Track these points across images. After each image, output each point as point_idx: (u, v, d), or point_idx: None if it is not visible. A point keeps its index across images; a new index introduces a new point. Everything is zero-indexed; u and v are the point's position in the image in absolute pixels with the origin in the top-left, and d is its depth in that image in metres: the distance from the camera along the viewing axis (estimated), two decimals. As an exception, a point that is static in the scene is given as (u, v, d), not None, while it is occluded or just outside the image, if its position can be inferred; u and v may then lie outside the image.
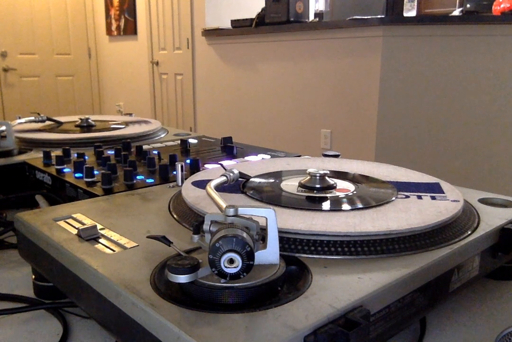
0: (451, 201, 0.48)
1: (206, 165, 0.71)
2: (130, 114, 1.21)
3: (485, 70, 2.37)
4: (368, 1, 2.83)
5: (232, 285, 0.32)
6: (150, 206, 0.51)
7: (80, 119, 1.02)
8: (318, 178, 0.52)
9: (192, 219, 0.46)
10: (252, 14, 3.02)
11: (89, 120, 1.01)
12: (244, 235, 0.31)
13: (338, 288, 0.33)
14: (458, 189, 0.53)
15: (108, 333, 0.41)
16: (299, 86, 2.80)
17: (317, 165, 0.63)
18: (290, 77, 2.84)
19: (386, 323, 0.35)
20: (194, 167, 0.69)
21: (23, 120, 1.00)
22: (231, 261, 0.30)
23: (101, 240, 0.42)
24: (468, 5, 2.45)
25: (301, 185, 0.52)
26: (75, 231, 0.44)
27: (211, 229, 0.34)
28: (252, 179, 0.55)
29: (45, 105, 4.55)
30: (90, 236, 0.42)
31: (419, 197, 0.49)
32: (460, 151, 2.45)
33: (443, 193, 0.51)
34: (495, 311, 0.45)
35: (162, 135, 0.99)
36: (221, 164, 0.62)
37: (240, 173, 0.53)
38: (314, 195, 0.50)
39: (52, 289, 0.47)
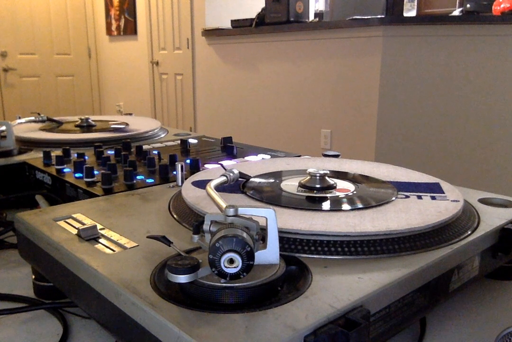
0: (451, 201, 0.48)
1: (206, 165, 0.71)
2: (130, 114, 1.21)
3: (485, 70, 2.37)
4: (368, 1, 2.83)
5: (232, 285, 0.32)
6: (150, 206, 0.51)
7: (80, 119, 1.02)
8: (318, 178, 0.52)
9: (192, 219, 0.46)
10: (252, 14, 3.02)
11: (89, 120, 1.02)
12: (244, 235, 0.31)
13: (338, 288, 0.33)
14: (458, 189, 0.53)
15: (108, 333, 0.41)
16: (299, 86, 2.80)
17: (317, 165, 0.63)
18: (290, 77, 2.84)
19: (386, 323, 0.35)
20: (194, 167, 0.69)
21: (23, 120, 1.00)
22: (231, 261, 0.30)
23: (101, 240, 0.42)
24: (468, 5, 2.44)
25: (301, 185, 0.52)
26: (75, 231, 0.44)
27: (211, 229, 0.34)
28: (252, 179, 0.55)
29: (45, 105, 4.55)
30: (90, 236, 0.42)
31: (419, 197, 0.49)
32: (460, 151, 2.45)
33: (443, 193, 0.51)
34: (495, 311, 0.45)
35: (162, 135, 0.99)
36: (221, 164, 0.62)
37: (240, 173, 0.53)
38: (314, 195, 0.50)
39: (52, 289, 0.47)
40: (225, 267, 0.30)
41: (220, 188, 0.50)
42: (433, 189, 0.52)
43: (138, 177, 0.65)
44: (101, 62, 4.85)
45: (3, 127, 0.82)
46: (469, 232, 0.44)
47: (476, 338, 0.41)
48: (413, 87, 2.37)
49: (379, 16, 2.41)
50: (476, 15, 2.41)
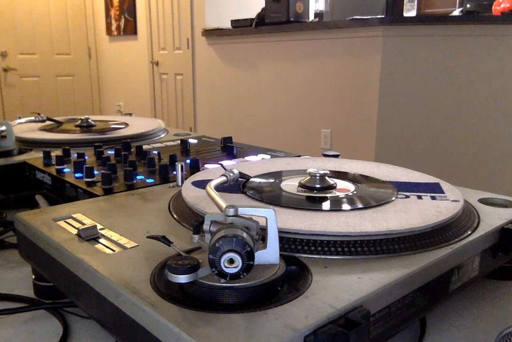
0: (451, 201, 0.48)
1: (206, 165, 0.71)
2: (130, 114, 1.21)
3: (485, 70, 2.37)
4: (368, 1, 2.83)
5: (232, 285, 0.32)
6: (150, 206, 0.51)
7: (80, 119, 1.02)
8: (318, 178, 0.52)
9: (192, 219, 0.46)
10: (252, 14, 3.02)
11: (89, 120, 1.02)
12: (244, 235, 0.31)
13: (338, 288, 0.33)
14: (458, 189, 0.53)
15: (108, 333, 0.41)
16: (299, 86, 2.80)
17: (317, 165, 0.63)
18: (290, 77, 2.84)
19: (386, 323, 0.35)
20: (194, 167, 0.69)
21: (23, 120, 1.00)
22: (231, 261, 0.30)
23: (101, 240, 0.42)
24: (468, 5, 2.44)
25: (301, 185, 0.52)
26: (75, 231, 0.44)
27: (211, 229, 0.34)
28: (252, 179, 0.55)
29: (45, 105, 4.55)
30: (90, 236, 0.42)
31: (419, 197, 0.49)
32: (460, 151, 2.45)
33: (443, 193, 0.51)
34: (495, 311, 0.45)
35: (162, 135, 0.99)
36: (221, 164, 0.62)
37: (240, 173, 0.53)
38: (314, 195, 0.50)
39: (52, 289, 0.47)
40: (225, 267, 0.30)
41: (220, 188, 0.50)
42: (433, 189, 0.52)
43: (138, 177, 0.65)
44: (101, 62, 4.85)
45: (3, 127, 0.82)
46: (469, 232, 0.44)
47: (476, 338, 0.41)
48: (413, 87, 2.37)
49: (379, 16, 2.41)
50: (476, 15, 2.41)
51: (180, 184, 0.59)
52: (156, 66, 4.10)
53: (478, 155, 2.46)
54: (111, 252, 0.40)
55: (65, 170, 0.68)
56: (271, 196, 0.50)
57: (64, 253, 0.40)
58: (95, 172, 0.64)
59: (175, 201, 0.52)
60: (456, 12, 2.59)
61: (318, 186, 0.51)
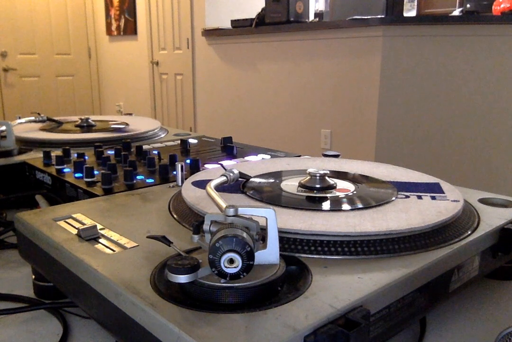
0: (451, 201, 0.48)
1: (206, 165, 0.71)
2: (130, 114, 1.21)
3: (485, 70, 2.37)
4: (368, 1, 2.83)
5: (232, 285, 0.32)
6: (150, 206, 0.51)
7: (80, 119, 1.02)
8: (318, 178, 0.52)
9: (192, 219, 0.46)
10: (252, 14, 3.02)
11: (89, 120, 1.02)
12: (244, 235, 0.31)
13: (338, 288, 0.33)
14: (458, 189, 0.53)
15: (108, 333, 0.41)
16: (299, 86, 2.80)
17: (317, 165, 0.63)
18: (290, 77, 2.84)
19: (386, 323, 0.35)
20: (194, 167, 0.69)
21: (23, 120, 1.00)
22: (231, 261, 0.30)
23: (101, 240, 0.42)
24: (468, 5, 2.44)
25: (301, 185, 0.52)
26: (75, 231, 0.44)
27: (211, 229, 0.34)
28: (252, 179, 0.55)
29: (45, 105, 4.55)
30: (90, 236, 0.42)
31: (419, 197, 0.49)
32: (460, 151, 2.45)
33: (443, 193, 0.51)
34: (495, 311, 0.45)
35: (162, 135, 0.99)
36: (221, 164, 0.62)
37: (240, 173, 0.53)
38: (314, 195, 0.50)
39: (52, 289, 0.47)
40: (225, 267, 0.30)
41: (220, 188, 0.50)
42: (433, 189, 0.52)
43: (138, 177, 0.65)
44: (101, 62, 4.85)
45: (3, 127, 0.82)
46: (469, 232, 0.44)
47: (476, 338, 0.41)
48: (413, 87, 2.37)
49: (379, 16, 2.41)
50: (476, 15, 2.41)
51: (180, 184, 0.59)
52: (156, 66, 4.10)
53: (478, 156, 2.46)
54: (111, 252, 0.40)
55: (65, 170, 0.68)
56: (271, 196, 0.50)
57: (64, 253, 0.40)
58: (95, 172, 0.64)
59: (175, 201, 0.52)
60: (456, 12, 2.59)
61: (318, 186, 0.51)
